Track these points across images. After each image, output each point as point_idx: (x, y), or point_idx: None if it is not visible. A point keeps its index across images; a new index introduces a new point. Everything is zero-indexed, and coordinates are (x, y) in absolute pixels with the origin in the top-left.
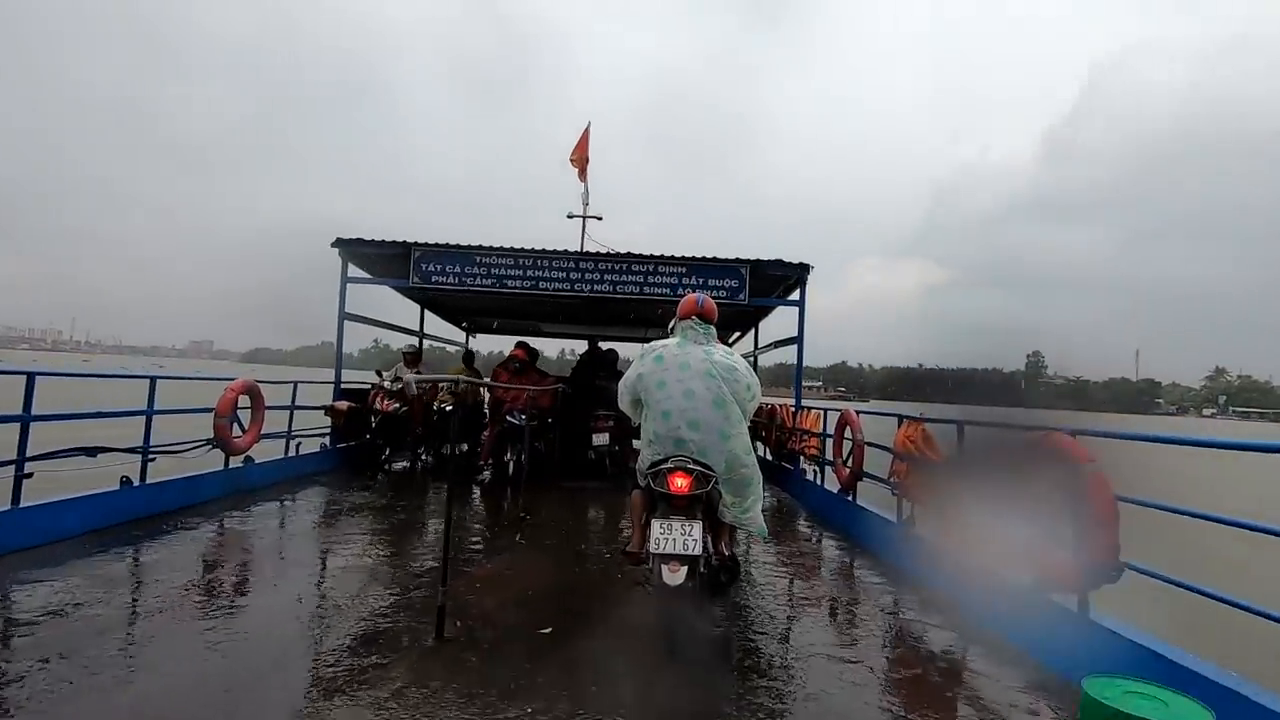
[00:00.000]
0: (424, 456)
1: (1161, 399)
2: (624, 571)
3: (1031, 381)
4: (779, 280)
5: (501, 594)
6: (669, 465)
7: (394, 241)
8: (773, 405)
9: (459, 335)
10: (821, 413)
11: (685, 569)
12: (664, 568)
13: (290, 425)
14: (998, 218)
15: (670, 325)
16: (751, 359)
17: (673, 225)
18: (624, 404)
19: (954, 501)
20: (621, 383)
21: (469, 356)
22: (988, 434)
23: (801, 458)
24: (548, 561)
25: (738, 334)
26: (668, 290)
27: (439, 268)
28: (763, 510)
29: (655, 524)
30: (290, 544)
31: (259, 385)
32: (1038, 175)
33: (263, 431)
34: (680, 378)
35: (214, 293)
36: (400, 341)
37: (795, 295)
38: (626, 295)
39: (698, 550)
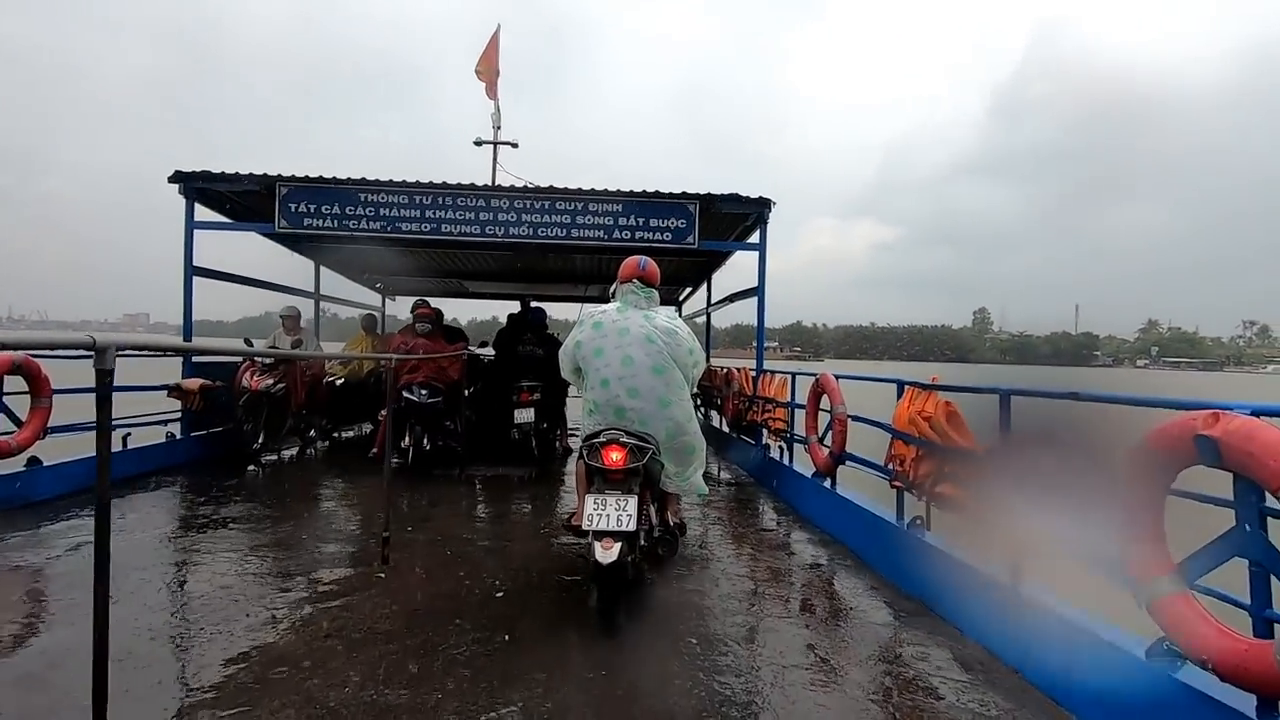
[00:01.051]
0: (318, 441)
1: (1099, 351)
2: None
3: (978, 337)
4: (735, 221)
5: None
6: (602, 438)
7: (251, 175)
8: (729, 370)
9: (374, 299)
10: (789, 378)
11: (619, 545)
12: (597, 544)
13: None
14: (944, 176)
15: (611, 289)
16: (704, 317)
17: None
18: (566, 372)
19: (1009, 505)
20: (562, 350)
21: (370, 322)
22: (1037, 412)
23: (765, 431)
24: (403, 612)
25: (688, 290)
26: (601, 233)
27: (312, 208)
28: (720, 491)
29: (589, 499)
30: (80, 584)
31: (39, 362)
32: (984, 133)
33: (51, 424)
34: (619, 344)
35: (147, 261)
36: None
37: (754, 238)
38: (550, 240)
39: (631, 526)
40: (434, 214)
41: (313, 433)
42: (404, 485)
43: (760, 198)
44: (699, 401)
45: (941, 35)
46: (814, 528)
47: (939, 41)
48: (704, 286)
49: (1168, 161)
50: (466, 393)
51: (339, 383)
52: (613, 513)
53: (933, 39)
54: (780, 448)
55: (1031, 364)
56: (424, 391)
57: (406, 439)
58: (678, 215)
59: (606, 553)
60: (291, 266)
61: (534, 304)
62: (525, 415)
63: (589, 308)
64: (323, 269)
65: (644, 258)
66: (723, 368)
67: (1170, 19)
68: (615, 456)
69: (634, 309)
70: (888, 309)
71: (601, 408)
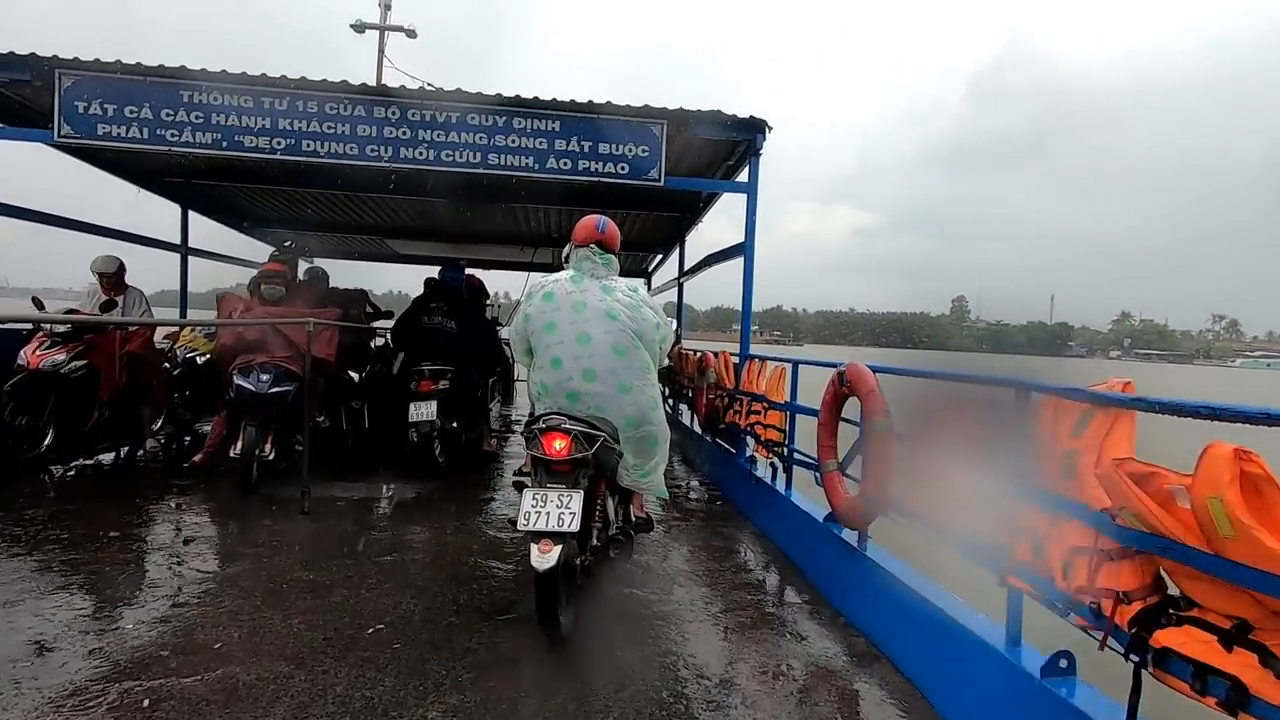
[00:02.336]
0: (163, 439)
1: (1073, 341)
2: None
3: (956, 325)
4: (716, 153)
5: None
6: (541, 424)
7: (16, 56)
8: (703, 354)
9: None
10: (786, 368)
11: (558, 549)
12: (534, 547)
13: None
14: (924, 162)
15: (564, 253)
16: (676, 290)
17: None
18: (519, 353)
19: None
20: (512, 329)
21: (269, 282)
22: None
23: (749, 439)
24: None
25: (657, 257)
26: (531, 160)
27: (111, 109)
28: (682, 519)
29: (526, 494)
30: None
31: None
32: (962, 122)
33: None
34: (574, 319)
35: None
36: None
37: (742, 175)
38: (457, 168)
39: (573, 526)
40: (290, 124)
41: (161, 428)
42: (212, 518)
43: (751, 118)
44: (666, 392)
45: (918, 21)
46: (826, 606)
47: (917, 27)
48: (675, 252)
49: (1141, 155)
50: (357, 378)
51: (201, 360)
52: (553, 510)
53: (909, 25)
54: (771, 465)
55: (1008, 353)
56: (265, 377)
57: (238, 444)
58: (638, 139)
59: (543, 556)
60: (163, 211)
61: (467, 269)
62: (424, 411)
63: (537, 277)
64: (208, 220)
65: (602, 218)
66: (695, 351)
67: (1137, 18)
68: (558, 445)
69: (590, 278)
70: (866, 295)
71: (551, 391)
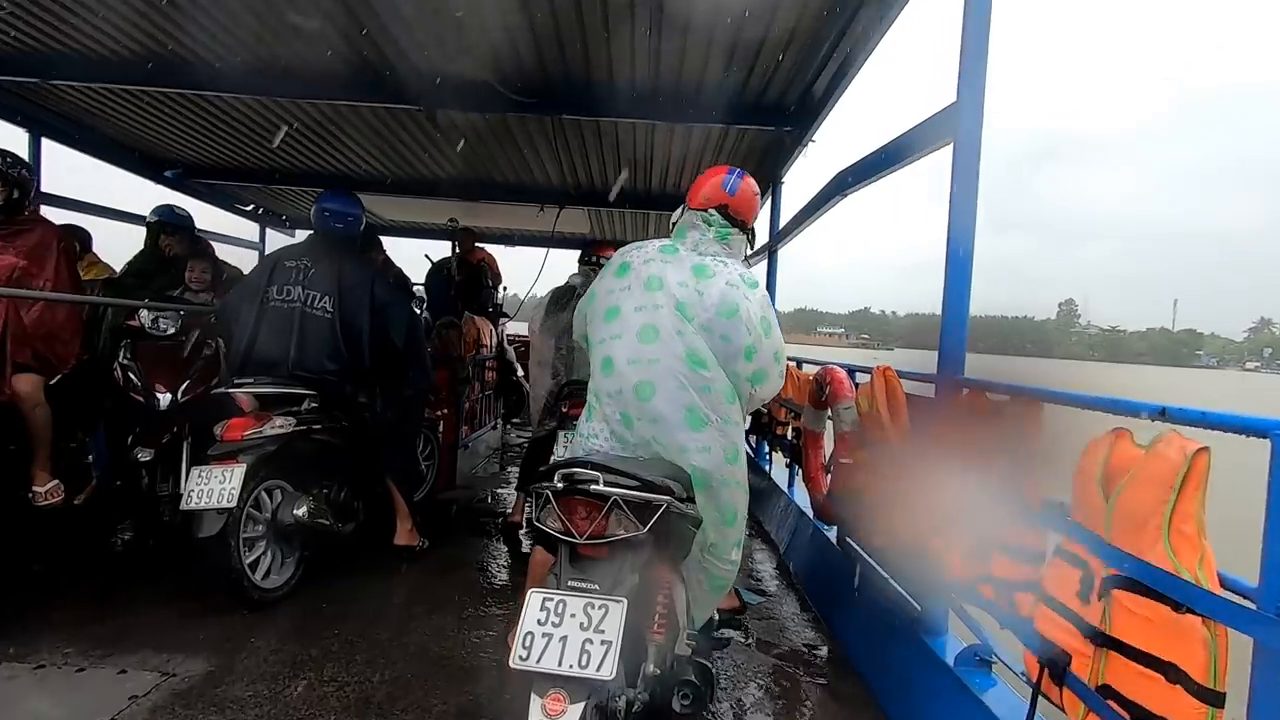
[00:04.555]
0: None
1: (1202, 351)
2: None
3: (1063, 331)
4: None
5: None
6: (557, 483)
7: None
8: (831, 370)
9: (248, 230)
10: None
11: (577, 708)
12: (535, 701)
13: None
14: (1025, 158)
15: (673, 219)
16: (765, 260)
17: None
18: (578, 335)
19: None
20: (575, 314)
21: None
22: None
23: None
24: None
25: None
26: None
27: None
28: None
29: (532, 599)
30: None
31: None
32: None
33: None
34: (642, 303)
35: None
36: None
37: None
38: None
39: (607, 669)
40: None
41: None
42: None
43: None
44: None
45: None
46: None
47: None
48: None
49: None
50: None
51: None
52: (574, 635)
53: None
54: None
55: (1126, 362)
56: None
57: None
58: None
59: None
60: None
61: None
62: (213, 489)
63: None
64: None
65: (735, 172)
66: (800, 364)
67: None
68: (585, 517)
69: (690, 250)
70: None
71: (599, 407)
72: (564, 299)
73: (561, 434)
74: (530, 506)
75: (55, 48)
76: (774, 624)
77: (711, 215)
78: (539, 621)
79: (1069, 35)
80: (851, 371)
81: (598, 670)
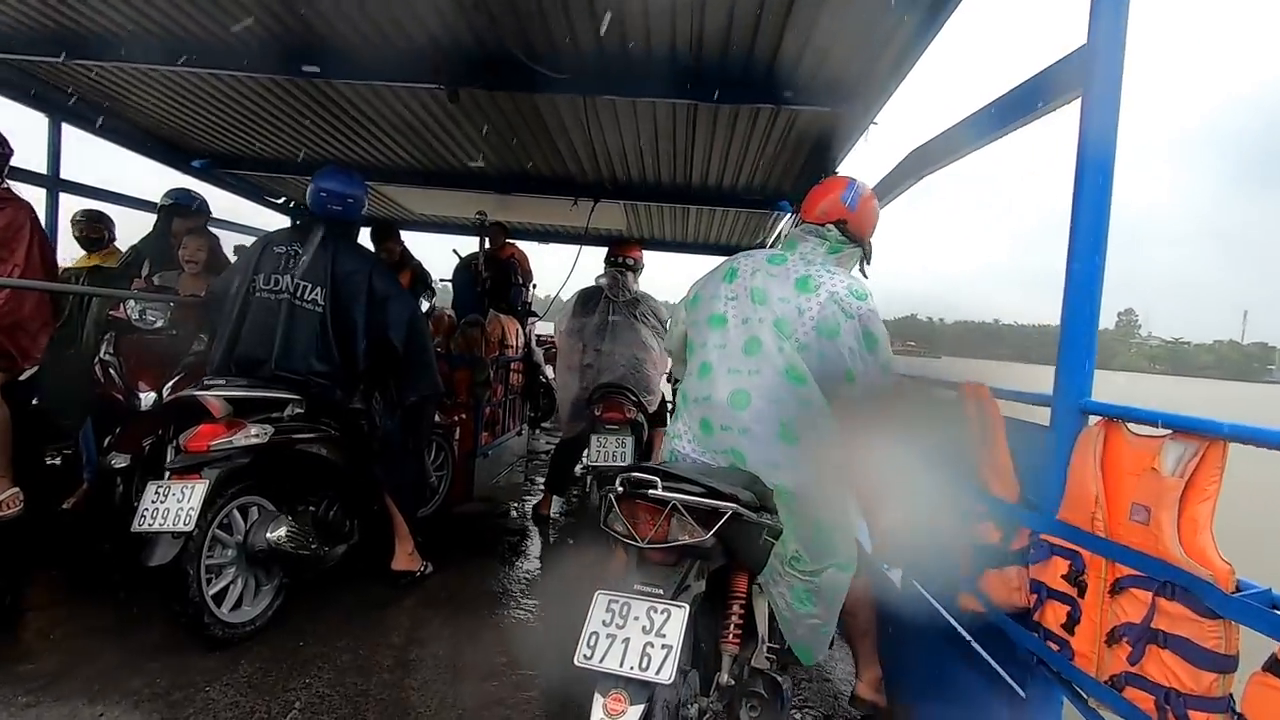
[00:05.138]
0: None
1: (1275, 365)
2: None
3: (1123, 342)
4: None
5: None
6: (621, 486)
7: None
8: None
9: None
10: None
11: (638, 709)
12: (597, 699)
13: None
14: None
15: (782, 226)
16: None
17: None
18: (671, 340)
19: None
20: (671, 319)
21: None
22: None
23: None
24: None
25: (786, 218)
26: None
27: None
28: None
29: (598, 601)
30: None
31: None
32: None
33: None
34: (748, 314)
35: None
36: None
37: None
38: None
39: (665, 673)
40: None
41: None
42: None
43: None
44: None
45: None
46: None
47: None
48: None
49: None
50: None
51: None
52: (636, 637)
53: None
54: None
55: (1190, 375)
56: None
57: None
58: None
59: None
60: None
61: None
62: (170, 508)
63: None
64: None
65: (855, 184)
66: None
67: None
68: (647, 520)
69: (801, 261)
70: (1011, 306)
71: (688, 410)
72: (591, 300)
73: (595, 437)
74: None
75: (76, 25)
76: (826, 685)
77: (828, 230)
78: (604, 622)
79: None
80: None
81: (657, 673)
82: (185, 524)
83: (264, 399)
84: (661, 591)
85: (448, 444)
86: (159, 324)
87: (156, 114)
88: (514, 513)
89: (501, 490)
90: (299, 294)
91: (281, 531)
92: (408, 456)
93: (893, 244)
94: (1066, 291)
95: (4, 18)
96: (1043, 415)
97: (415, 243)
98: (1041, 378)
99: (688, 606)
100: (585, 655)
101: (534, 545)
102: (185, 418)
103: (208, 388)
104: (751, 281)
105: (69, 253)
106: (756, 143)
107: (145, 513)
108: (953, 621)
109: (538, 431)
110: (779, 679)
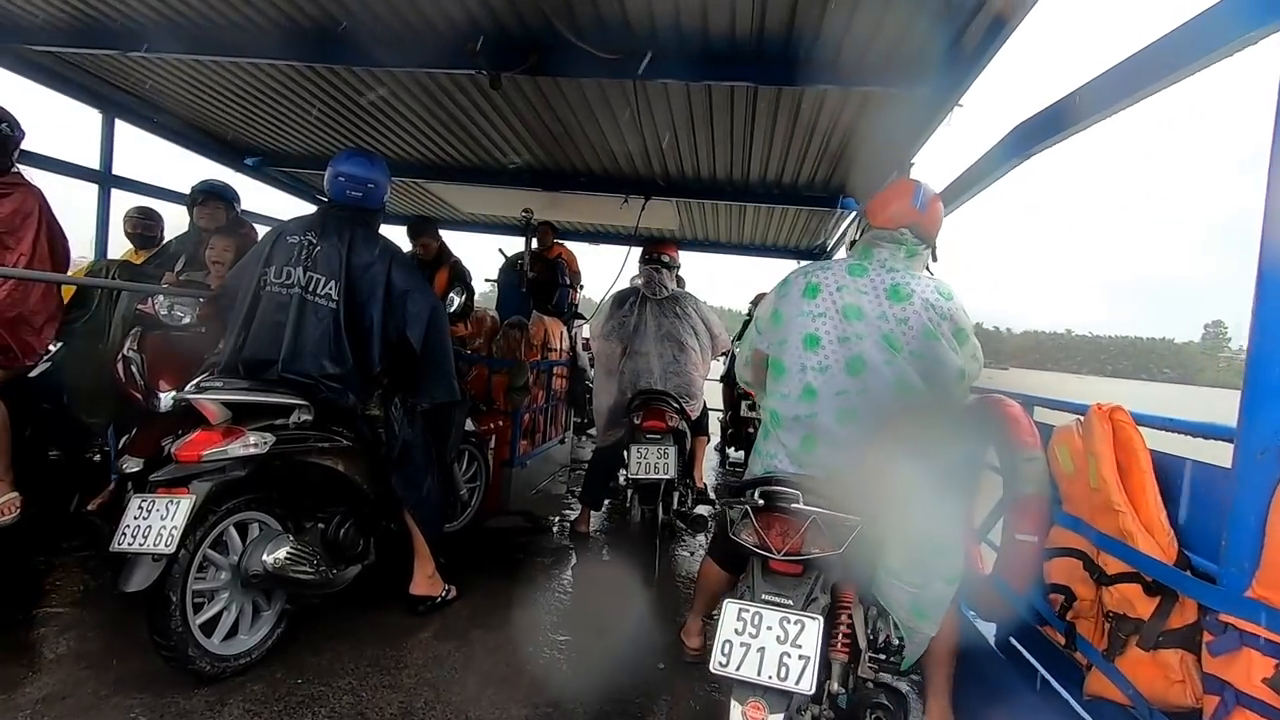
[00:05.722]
0: None
1: None
2: None
3: (1210, 355)
4: None
5: None
6: (758, 499)
7: None
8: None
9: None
10: None
11: (779, 718)
12: (735, 708)
13: None
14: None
15: (853, 233)
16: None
17: None
18: (748, 374)
19: None
20: (746, 337)
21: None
22: None
23: None
24: None
25: (850, 216)
26: None
27: None
28: None
29: (728, 608)
30: None
31: None
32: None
33: None
34: (845, 333)
35: None
36: None
37: None
38: None
39: (805, 682)
40: None
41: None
42: None
43: None
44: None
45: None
46: None
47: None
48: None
49: None
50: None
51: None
52: (771, 647)
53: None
54: None
55: None
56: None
57: None
58: None
59: None
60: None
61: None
62: (154, 530)
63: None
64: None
65: (921, 186)
66: (986, 403)
67: None
68: (780, 532)
69: (881, 269)
70: (1084, 316)
71: (782, 431)
72: (628, 301)
73: (634, 447)
74: (721, 519)
75: (127, 18)
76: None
77: (903, 234)
78: (736, 631)
79: None
80: (1028, 404)
81: (797, 683)
82: (167, 545)
83: (267, 404)
84: (791, 602)
85: (481, 453)
86: (186, 319)
87: (206, 109)
88: (552, 528)
89: (540, 501)
90: (311, 288)
91: (282, 553)
92: (430, 469)
93: (955, 247)
94: (1258, 301)
95: (59, 13)
96: (1191, 448)
97: (461, 243)
98: (1122, 392)
99: (820, 619)
100: (720, 663)
101: (569, 567)
102: (193, 423)
103: (203, 389)
104: (840, 298)
105: (120, 249)
106: (821, 131)
107: (126, 530)
108: (1069, 698)
109: (582, 439)
110: (901, 689)
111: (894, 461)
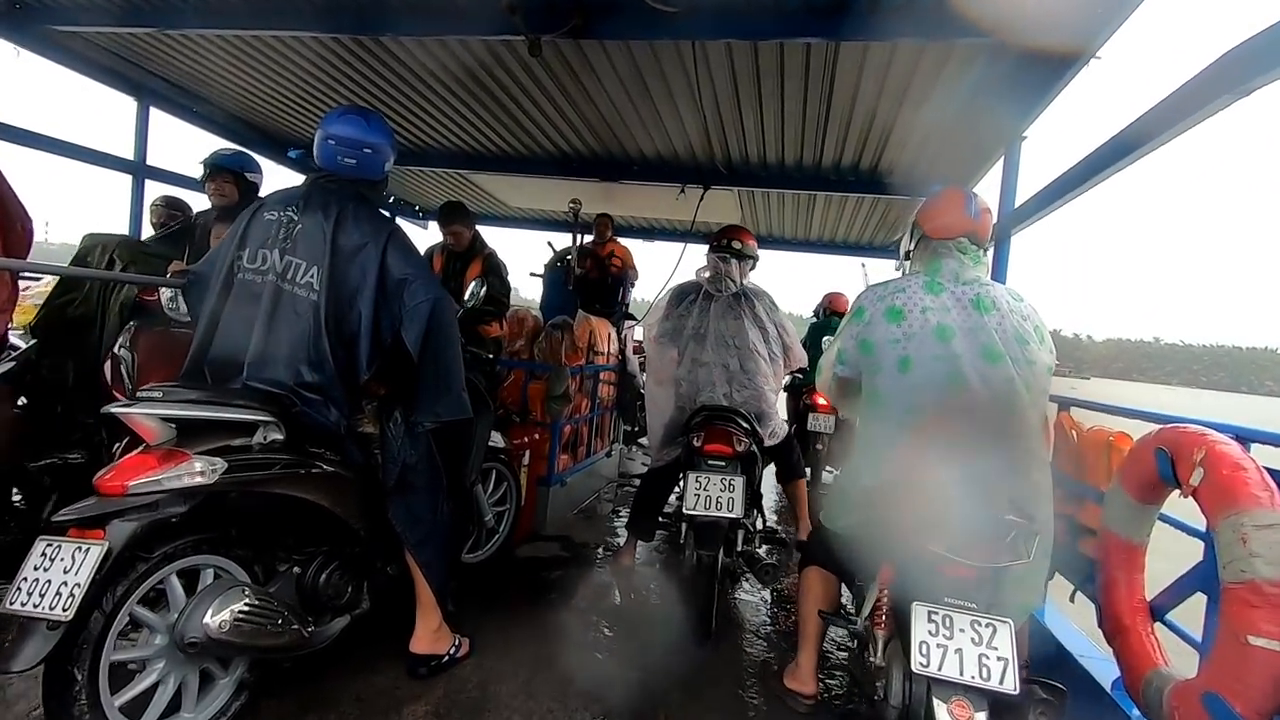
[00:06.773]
0: None
1: None
2: None
3: None
4: None
5: None
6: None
7: None
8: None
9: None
10: None
11: (982, 717)
12: (939, 707)
13: None
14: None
15: (904, 248)
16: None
17: None
18: (833, 394)
19: None
20: (824, 357)
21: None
22: None
23: None
24: None
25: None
26: None
27: None
28: None
29: (917, 611)
30: None
31: None
32: None
33: None
34: (939, 353)
35: None
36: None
37: None
38: None
39: (1010, 683)
40: None
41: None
42: None
43: None
44: None
45: None
46: None
47: None
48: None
49: None
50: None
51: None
52: (969, 648)
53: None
54: None
55: None
56: None
57: None
58: None
59: None
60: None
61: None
62: (67, 571)
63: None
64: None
65: (970, 194)
66: (1175, 439)
67: None
68: (963, 561)
69: (956, 284)
70: (1172, 323)
71: (887, 447)
72: (688, 297)
73: (692, 476)
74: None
75: None
76: None
77: (963, 243)
78: (930, 633)
79: None
80: (1243, 440)
81: (1000, 684)
82: (65, 609)
83: (221, 420)
84: (976, 605)
85: (510, 472)
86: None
87: (244, 95)
88: (595, 558)
89: (581, 524)
90: (288, 275)
91: (229, 612)
92: (438, 498)
93: (1032, 250)
94: None
95: None
96: None
97: (509, 240)
98: (1223, 406)
99: (1012, 622)
100: (921, 663)
101: (608, 614)
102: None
103: (138, 400)
104: (928, 320)
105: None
106: (913, 101)
107: (22, 585)
108: None
109: (633, 449)
110: (1057, 684)
111: (1031, 477)
